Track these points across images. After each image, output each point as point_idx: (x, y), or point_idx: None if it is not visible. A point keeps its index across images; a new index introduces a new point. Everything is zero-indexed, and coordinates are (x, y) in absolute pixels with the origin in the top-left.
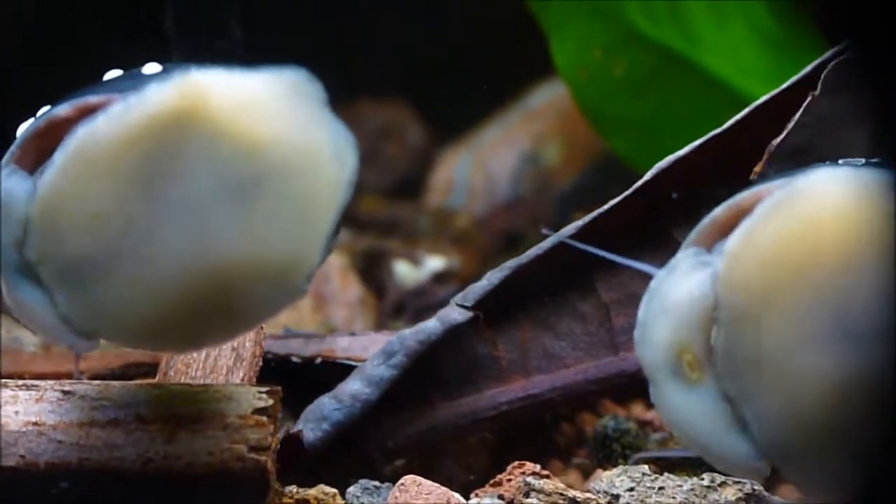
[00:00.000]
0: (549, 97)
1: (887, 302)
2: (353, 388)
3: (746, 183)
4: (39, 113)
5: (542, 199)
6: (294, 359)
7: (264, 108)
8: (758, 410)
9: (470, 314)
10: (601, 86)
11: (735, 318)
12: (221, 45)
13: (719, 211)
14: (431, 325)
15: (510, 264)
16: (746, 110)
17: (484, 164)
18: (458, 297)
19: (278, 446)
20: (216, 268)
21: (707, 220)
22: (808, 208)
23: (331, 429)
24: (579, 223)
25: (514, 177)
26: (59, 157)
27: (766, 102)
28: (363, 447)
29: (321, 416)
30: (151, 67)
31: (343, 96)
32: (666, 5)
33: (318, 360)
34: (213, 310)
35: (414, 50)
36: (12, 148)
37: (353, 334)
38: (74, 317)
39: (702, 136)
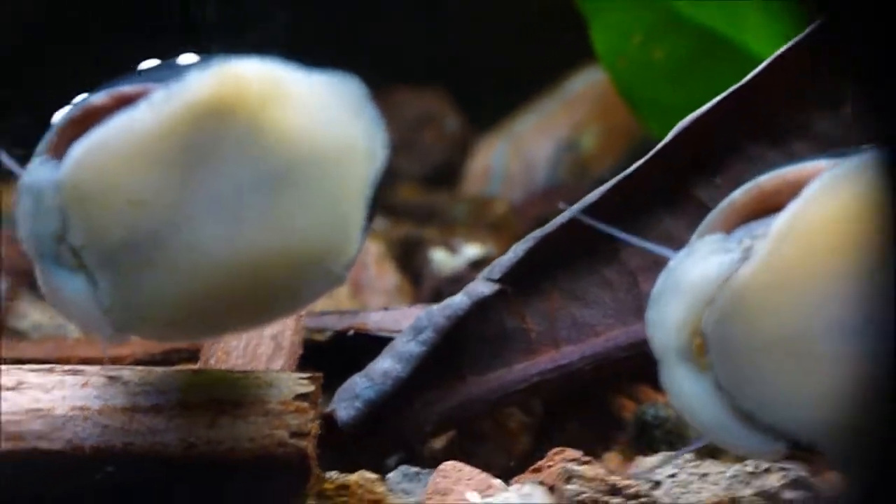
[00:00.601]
0: (586, 84)
1: None
2: (385, 365)
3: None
4: (75, 101)
5: (580, 185)
6: (327, 333)
7: (300, 99)
8: (775, 392)
9: (497, 287)
10: (641, 71)
11: (765, 302)
12: (262, 35)
13: (738, 194)
14: (458, 300)
15: (535, 234)
16: (761, 66)
17: (521, 151)
18: (485, 272)
19: (319, 432)
20: (253, 254)
21: (726, 204)
22: (860, 193)
23: (364, 407)
24: (603, 188)
25: (551, 164)
26: (85, 144)
27: (779, 57)
28: (397, 425)
29: (354, 394)
30: (187, 58)
31: (380, 85)
32: None
33: (351, 333)
34: (251, 296)
35: (451, 38)
36: (47, 136)
37: (385, 309)
38: (114, 304)
39: None
